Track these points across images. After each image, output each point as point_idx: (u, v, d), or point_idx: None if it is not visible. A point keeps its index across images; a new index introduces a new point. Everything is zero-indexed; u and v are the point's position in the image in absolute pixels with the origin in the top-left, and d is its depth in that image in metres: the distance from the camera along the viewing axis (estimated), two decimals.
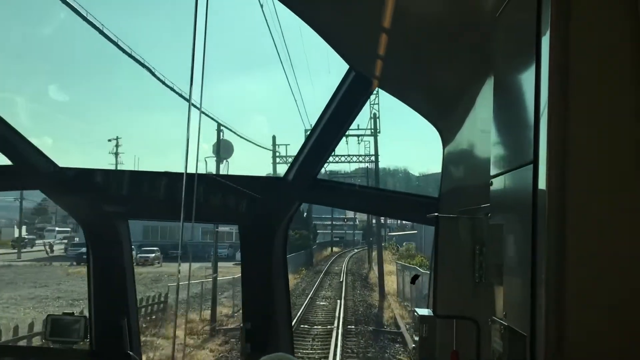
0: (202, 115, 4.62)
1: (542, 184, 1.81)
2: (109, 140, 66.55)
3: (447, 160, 4.88)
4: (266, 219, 5.37)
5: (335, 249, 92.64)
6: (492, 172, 2.55)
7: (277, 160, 54.35)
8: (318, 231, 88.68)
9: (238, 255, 50.22)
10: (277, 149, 54.99)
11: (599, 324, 1.72)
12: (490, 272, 3.03)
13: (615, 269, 1.73)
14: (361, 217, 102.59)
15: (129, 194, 5.43)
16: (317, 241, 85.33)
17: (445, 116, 4.62)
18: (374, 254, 61.04)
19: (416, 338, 4.33)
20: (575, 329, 1.72)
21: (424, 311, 4.43)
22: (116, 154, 64.23)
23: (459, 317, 3.78)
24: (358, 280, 50.97)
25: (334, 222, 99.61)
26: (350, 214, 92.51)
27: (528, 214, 1.89)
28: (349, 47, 4.85)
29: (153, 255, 57.98)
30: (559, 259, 1.73)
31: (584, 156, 1.76)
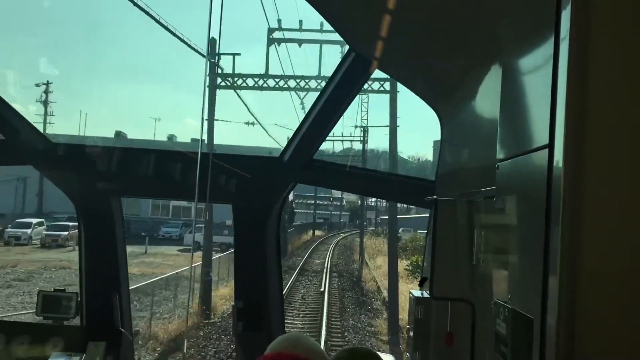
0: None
1: (557, 169, 1.80)
2: (37, 85, 58.77)
3: (445, 144, 4.88)
4: (260, 198, 5.36)
5: (318, 233, 78.34)
6: (499, 155, 2.54)
7: (218, 80, 29.94)
8: (297, 211, 77.46)
9: (188, 239, 44.22)
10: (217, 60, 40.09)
11: (611, 312, 1.73)
12: (491, 255, 3.04)
13: (630, 258, 1.73)
14: (349, 197, 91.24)
15: (122, 170, 5.38)
16: (296, 223, 73.13)
17: (446, 99, 4.60)
18: (369, 242, 54.04)
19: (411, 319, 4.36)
20: (587, 316, 1.73)
21: (418, 293, 4.46)
22: (45, 103, 58.26)
23: (455, 299, 3.81)
24: (348, 284, 35.29)
25: (317, 202, 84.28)
26: (337, 193, 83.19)
27: (541, 199, 1.89)
28: (349, 27, 4.80)
29: (66, 233, 41.08)
30: (574, 245, 1.73)
31: (603, 141, 1.75)
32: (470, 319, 3.64)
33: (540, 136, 1.96)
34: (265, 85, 30.54)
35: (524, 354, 2.04)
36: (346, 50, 5.13)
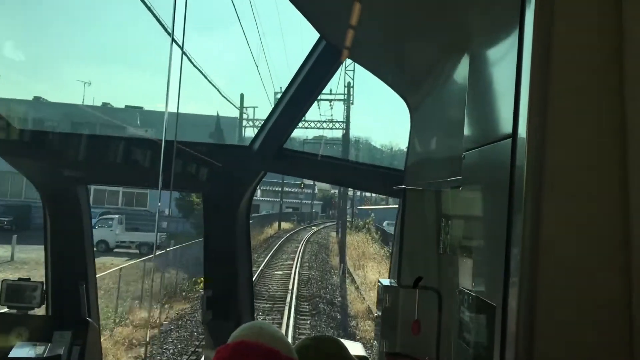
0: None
1: (520, 159, 1.84)
2: None
3: (414, 133, 4.92)
4: (230, 187, 5.33)
5: (285, 226, 63.81)
6: (465, 145, 2.57)
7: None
8: (262, 199, 68.36)
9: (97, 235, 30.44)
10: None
11: (570, 298, 1.78)
12: (456, 244, 3.09)
13: (590, 246, 1.78)
14: (321, 185, 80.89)
15: (88, 158, 5.30)
16: (261, 212, 63.23)
17: (415, 89, 4.63)
18: (349, 239, 38.13)
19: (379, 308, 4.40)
20: (547, 303, 1.77)
21: (387, 281, 4.51)
22: None
23: (422, 287, 3.86)
24: (327, 323, 20.62)
25: (286, 189, 72.08)
26: (308, 181, 67.76)
27: (504, 189, 1.92)
28: (320, 15, 4.78)
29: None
30: (534, 233, 1.77)
31: (564, 132, 1.79)
32: (437, 307, 3.70)
33: (504, 127, 1.99)
34: None
35: (487, 339, 2.09)
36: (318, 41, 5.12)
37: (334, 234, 54.56)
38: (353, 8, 3.98)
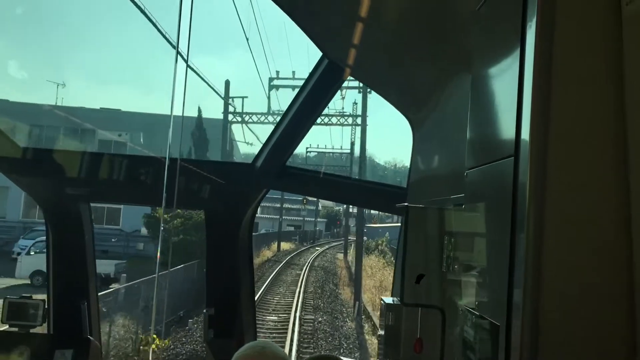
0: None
1: (523, 178, 1.84)
2: None
3: (416, 151, 4.93)
4: (232, 205, 5.34)
5: (285, 246, 57.63)
6: (468, 164, 2.58)
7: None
8: (263, 216, 62.66)
9: (26, 264, 26.49)
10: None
11: (574, 318, 1.77)
12: (460, 262, 3.07)
13: (592, 265, 1.77)
14: (325, 201, 74.91)
15: (91, 176, 5.32)
16: (261, 231, 57.19)
17: (418, 107, 4.65)
18: (367, 265, 33.87)
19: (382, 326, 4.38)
20: (551, 321, 1.76)
21: (389, 299, 4.49)
22: None
23: (426, 305, 3.84)
24: None
25: (286, 205, 66.22)
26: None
27: (507, 207, 1.92)
28: (323, 34, 4.82)
29: None
30: (537, 252, 1.77)
31: (566, 152, 1.79)
32: (440, 326, 3.68)
33: (507, 145, 2.00)
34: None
35: (490, 359, 2.07)
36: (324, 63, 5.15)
37: (340, 255, 50.90)
38: (355, 27, 4.02)
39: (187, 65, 5.29)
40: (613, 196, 1.76)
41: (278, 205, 63.23)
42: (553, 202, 1.77)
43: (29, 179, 5.38)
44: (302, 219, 75.43)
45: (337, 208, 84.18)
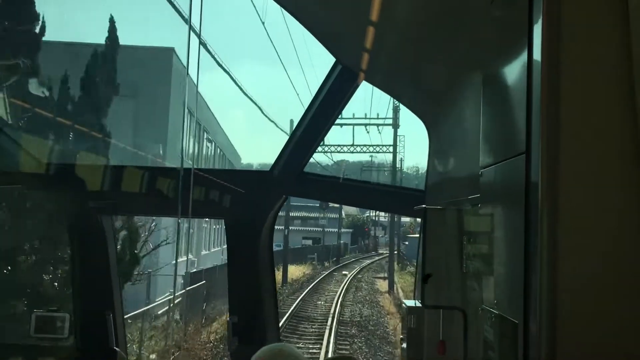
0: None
1: (534, 175, 1.83)
2: None
3: (433, 153, 4.92)
4: (252, 213, 5.37)
5: (296, 272, 37.59)
6: (482, 163, 2.57)
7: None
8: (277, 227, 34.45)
9: None
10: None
11: (591, 313, 1.76)
12: (478, 262, 3.06)
13: (608, 261, 1.76)
14: (349, 208, 62.76)
15: (112, 189, 5.40)
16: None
17: (432, 109, 4.65)
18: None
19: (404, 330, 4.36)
20: (568, 317, 1.75)
21: (411, 302, 4.48)
22: None
23: (447, 307, 3.82)
24: None
25: (303, 214, 57.48)
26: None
27: (520, 205, 1.92)
28: (335, 39, 4.85)
29: None
30: (552, 248, 1.76)
31: (577, 147, 1.78)
32: (462, 327, 3.66)
33: (518, 143, 1.99)
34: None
35: (510, 357, 2.06)
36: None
37: (380, 284, 34.82)
38: (367, 31, 4.04)
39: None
40: (627, 191, 1.75)
41: (297, 213, 52.73)
42: (566, 198, 1.76)
43: (52, 194, 5.49)
44: (321, 229, 57.20)
45: (364, 215, 72.34)
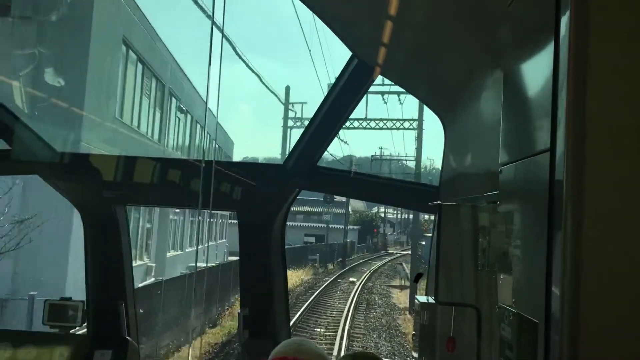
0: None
1: (559, 172, 1.81)
2: None
3: (448, 149, 4.89)
4: (264, 206, 5.37)
5: (293, 278, 30.94)
6: (502, 159, 2.55)
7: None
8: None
9: None
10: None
11: (614, 315, 1.73)
12: (495, 259, 3.04)
13: (633, 261, 1.74)
14: (356, 204, 60.57)
15: (127, 179, 5.42)
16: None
17: (449, 105, 4.62)
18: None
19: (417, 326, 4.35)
20: (590, 318, 1.73)
21: (424, 298, 4.46)
22: None
23: (461, 304, 3.81)
24: None
25: (305, 208, 53.74)
26: (339, 197, 45.23)
27: (544, 202, 1.90)
28: (352, 33, 4.82)
29: None
30: (576, 248, 1.74)
31: (604, 145, 1.76)
32: (475, 324, 3.64)
33: (542, 140, 1.97)
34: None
35: (529, 357, 2.04)
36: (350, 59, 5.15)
37: (398, 295, 29.43)
38: (384, 25, 4.01)
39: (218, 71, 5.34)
40: None
41: (300, 208, 49.22)
42: (591, 197, 1.74)
43: (67, 183, 5.51)
44: (324, 225, 50.19)
45: (373, 210, 68.64)
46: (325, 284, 31.77)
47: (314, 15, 4.75)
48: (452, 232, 4.04)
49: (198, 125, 31.88)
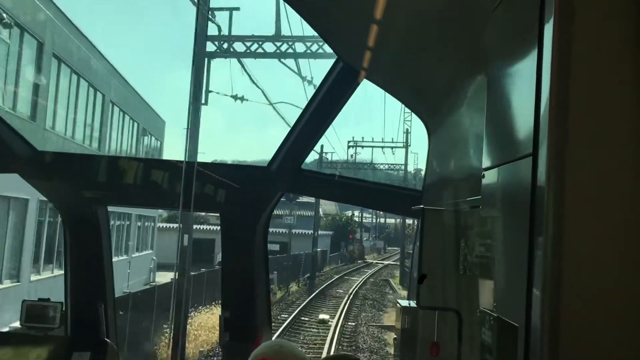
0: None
1: (541, 177, 1.82)
2: None
3: (432, 154, 4.91)
4: (248, 208, 5.35)
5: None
6: (485, 164, 2.56)
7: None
8: (210, 229, 37.38)
9: None
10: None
11: (594, 319, 1.74)
12: (476, 264, 3.05)
13: (612, 266, 1.75)
14: (328, 206, 51.77)
15: (108, 179, 5.36)
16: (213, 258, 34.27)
17: (433, 109, 4.64)
18: None
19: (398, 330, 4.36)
20: (571, 323, 1.74)
21: (406, 302, 4.47)
22: None
23: (442, 308, 3.82)
24: None
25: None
26: (307, 198, 39.11)
27: (526, 207, 1.90)
28: (337, 36, 4.83)
29: None
30: (557, 252, 1.75)
31: (585, 150, 1.77)
32: (457, 329, 3.65)
33: (525, 145, 1.98)
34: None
35: None
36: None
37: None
38: (370, 29, 4.02)
39: None
40: (636, 197, 1.73)
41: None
42: (573, 202, 1.75)
43: (47, 183, 5.44)
44: (287, 231, 41.25)
45: (347, 213, 59.07)
46: (278, 331, 19.67)
47: None
48: (435, 236, 4.05)
49: (98, 93, 24.44)
